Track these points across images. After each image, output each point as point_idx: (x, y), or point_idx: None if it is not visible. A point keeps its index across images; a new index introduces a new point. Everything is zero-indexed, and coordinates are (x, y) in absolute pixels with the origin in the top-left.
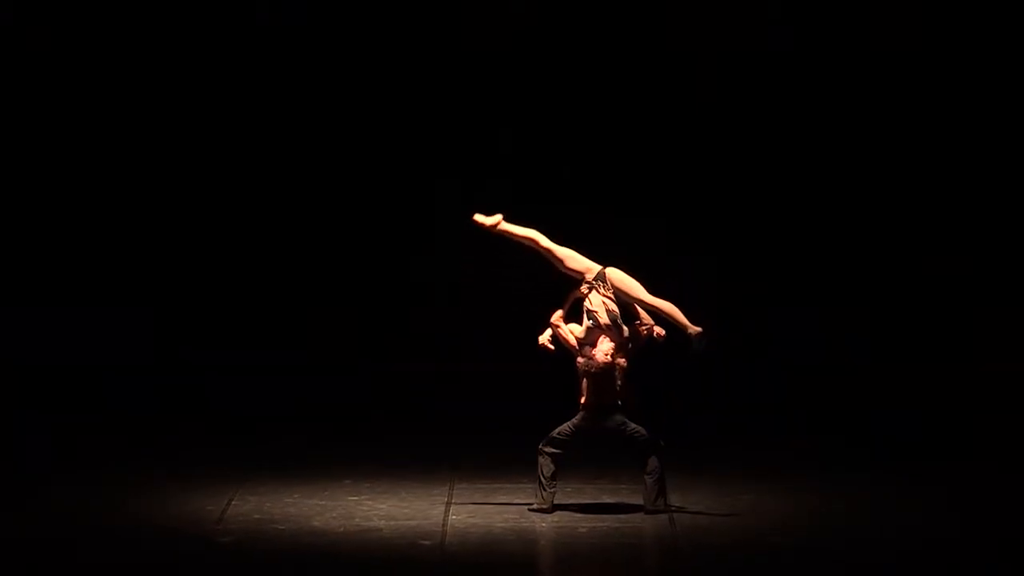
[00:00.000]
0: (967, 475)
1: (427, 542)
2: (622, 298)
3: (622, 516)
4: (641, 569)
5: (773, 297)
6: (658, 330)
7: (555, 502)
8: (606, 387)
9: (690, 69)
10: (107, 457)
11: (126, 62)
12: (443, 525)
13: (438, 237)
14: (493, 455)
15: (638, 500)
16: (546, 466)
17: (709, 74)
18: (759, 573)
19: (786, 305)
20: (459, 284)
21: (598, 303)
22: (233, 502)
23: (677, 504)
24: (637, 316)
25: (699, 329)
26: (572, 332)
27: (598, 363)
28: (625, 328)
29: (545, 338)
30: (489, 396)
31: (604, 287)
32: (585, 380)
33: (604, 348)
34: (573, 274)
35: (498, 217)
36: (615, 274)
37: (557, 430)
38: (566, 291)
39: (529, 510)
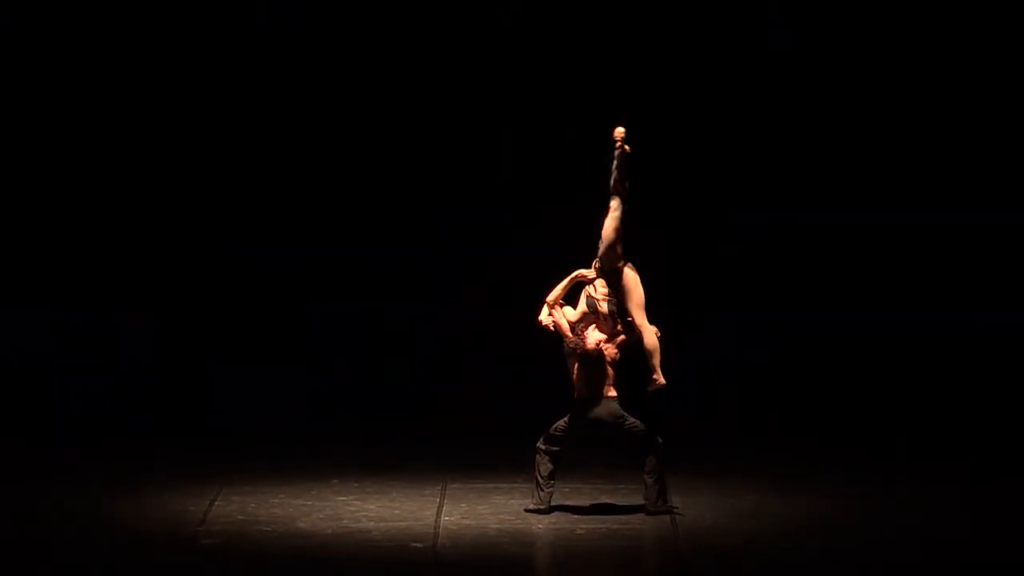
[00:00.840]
0: (978, 475)
1: (419, 544)
2: (620, 298)
3: (622, 517)
4: (641, 572)
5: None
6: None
7: (552, 502)
8: (597, 377)
9: (690, 69)
10: (82, 457)
11: (126, 62)
12: (435, 527)
13: (438, 235)
14: (487, 453)
15: (638, 500)
16: (543, 465)
17: (709, 74)
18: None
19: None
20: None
21: (603, 292)
22: (216, 503)
23: (678, 505)
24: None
25: (662, 383)
26: (565, 315)
27: (586, 347)
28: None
29: (547, 318)
30: (485, 391)
31: (608, 285)
32: (576, 372)
33: (595, 336)
34: (607, 252)
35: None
36: (630, 273)
37: (554, 426)
38: (562, 274)
39: (525, 511)
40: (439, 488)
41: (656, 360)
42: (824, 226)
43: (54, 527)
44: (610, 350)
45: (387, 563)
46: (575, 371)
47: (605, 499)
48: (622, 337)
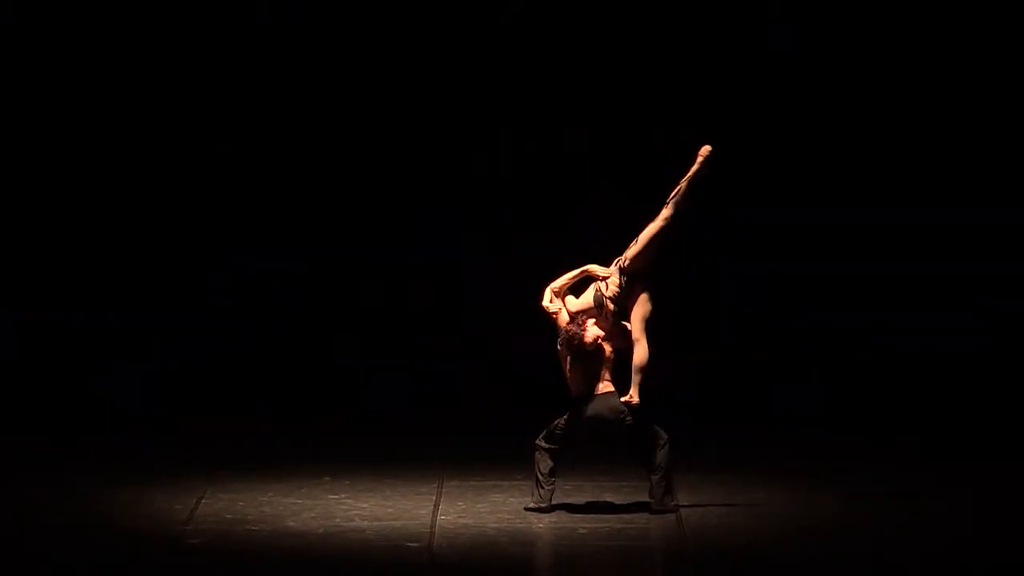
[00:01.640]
0: (994, 475)
1: (414, 544)
2: (629, 302)
3: (625, 516)
4: (646, 573)
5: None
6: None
7: (553, 501)
8: (594, 373)
9: (690, 69)
10: (64, 453)
11: (126, 62)
12: (431, 526)
13: (438, 233)
14: (485, 450)
15: (643, 498)
16: (543, 462)
17: (709, 74)
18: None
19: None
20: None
21: (614, 291)
22: (203, 501)
23: (685, 503)
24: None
25: (635, 402)
26: (567, 305)
27: (585, 339)
28: (626, 325)
29: (553, 305)
30: (482, 387)
31: (623, 284)
32: (571, 368)
33: (595, 331)
34: (642, 253)
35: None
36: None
37: (554, 424)
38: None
39: (525, 509)
40: (435, 485)
41: (640, 378)
42: (825, 226)
43: (36, 527)
44: (607, 348)
45: (381, 564)
46: (569, 368)
47: (608, 497)
48: (618, 342)
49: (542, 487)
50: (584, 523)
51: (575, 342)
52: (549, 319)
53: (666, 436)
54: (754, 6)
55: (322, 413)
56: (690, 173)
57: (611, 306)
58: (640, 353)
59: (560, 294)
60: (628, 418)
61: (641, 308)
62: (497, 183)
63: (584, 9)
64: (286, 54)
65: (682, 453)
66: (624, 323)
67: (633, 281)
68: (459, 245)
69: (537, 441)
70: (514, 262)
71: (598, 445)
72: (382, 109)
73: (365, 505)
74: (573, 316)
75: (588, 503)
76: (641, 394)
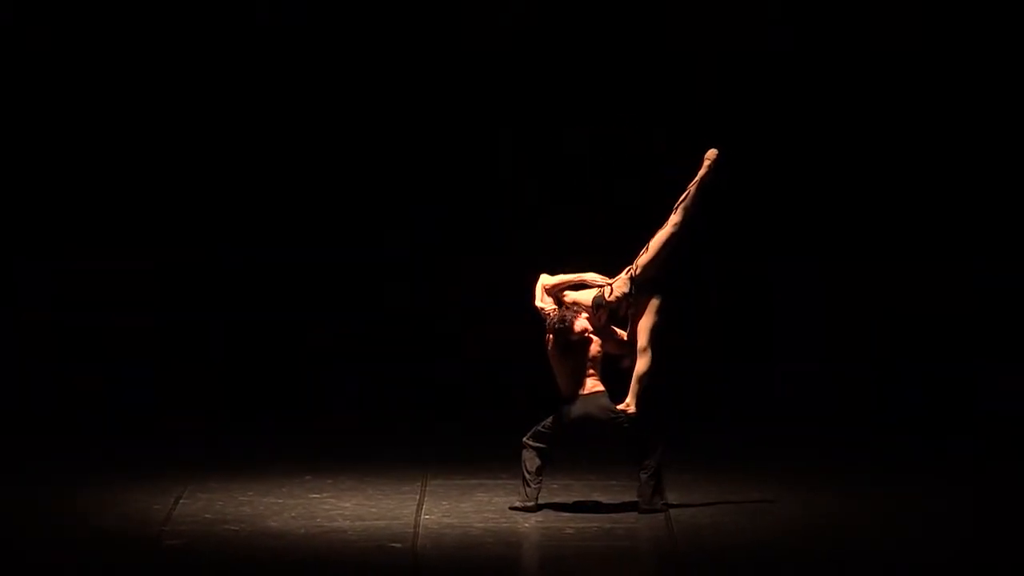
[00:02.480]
0: (994, 475)
1: (397, 545)
2: (629, 312)
3: (614, 516)
4: (634, 573)
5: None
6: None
7: (540, 500)
8: (579, 371)
9: (690, 69)
10: (37, 452)
11: (126, 62)
12: (415, 526)
13: (438, 232)
14: (470, 448)
15: (632, 498)
16: (530, 460)
17: (709, 74)
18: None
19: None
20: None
21: (617, 296)
22: (181, 500)
23: (675, 503)
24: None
25: (631, 411)
26: (565, 297)
27: (572, 325)
28: (616, 331)
29: (546, 303)
30: (468, 383)
31: (631, 292)
32: (559, 368)
33: (583, 324)
34: (651, 261)
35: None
36: (656, 300)
37: (542, 423)
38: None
39: (511, 508)
40: (419, 484)
41: (639, 387)
42: (823, 227)
43: (10, 528)
44: (594, 345)
45: (363, 564)
46: (556, 363)
47: (597, 496)
48: (606, 346)
49: (528, 486)
50: (571, 523)
51: (562, 326)
52: (540, 317)
53: (660, 438)
54: (754, 6)
55: (303, 411)
56: (698, 178)
57: (604, 317)
58: (644, 363)
59: (551, 294)
60: (620, 420)
61: (649, 319)
62: (497, 183)
63: (584, 9)
64: (286, 54)
65: (676, 453)
66: (614, 328)
67: (641, 290)
68: (456, 243)
69: (524, 439)
70: (513, 261)
71: (588, 445)
72: (382, 109)
73: (347, 505)
74: (568, 305)
75: (576, 502)
76: (638, 404)
